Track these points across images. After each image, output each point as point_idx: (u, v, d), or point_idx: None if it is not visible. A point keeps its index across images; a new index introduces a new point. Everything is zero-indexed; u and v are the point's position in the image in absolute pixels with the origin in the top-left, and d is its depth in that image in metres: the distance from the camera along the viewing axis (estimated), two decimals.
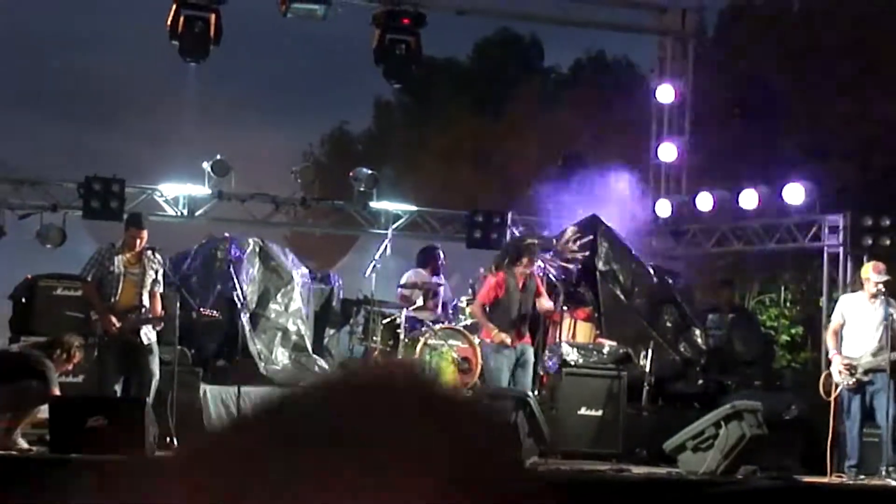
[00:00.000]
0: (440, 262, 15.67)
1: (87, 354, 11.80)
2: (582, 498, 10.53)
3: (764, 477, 11.81)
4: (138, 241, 11.63)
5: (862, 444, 12.75)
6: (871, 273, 12.83)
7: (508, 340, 12.77)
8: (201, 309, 12.05)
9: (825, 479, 12.52)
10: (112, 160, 17.28)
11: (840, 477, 12.78)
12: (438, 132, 30.08)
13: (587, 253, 14.66)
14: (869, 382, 12.69)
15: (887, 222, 15.96)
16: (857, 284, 13.39)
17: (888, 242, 15.93)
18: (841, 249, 16.37)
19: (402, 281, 15.44)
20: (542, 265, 14.86)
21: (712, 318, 15.96)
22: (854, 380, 12.67)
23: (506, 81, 31.74)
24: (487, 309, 13.01)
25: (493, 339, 12.86)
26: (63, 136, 24.38)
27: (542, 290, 13.34)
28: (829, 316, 16.48)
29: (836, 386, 12.78)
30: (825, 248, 16.65)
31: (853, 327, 12.83)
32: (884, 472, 12.49)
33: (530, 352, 13.00)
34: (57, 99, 26.21)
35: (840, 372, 12.74)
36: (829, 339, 13.08)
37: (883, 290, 12.79)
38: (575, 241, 14.50)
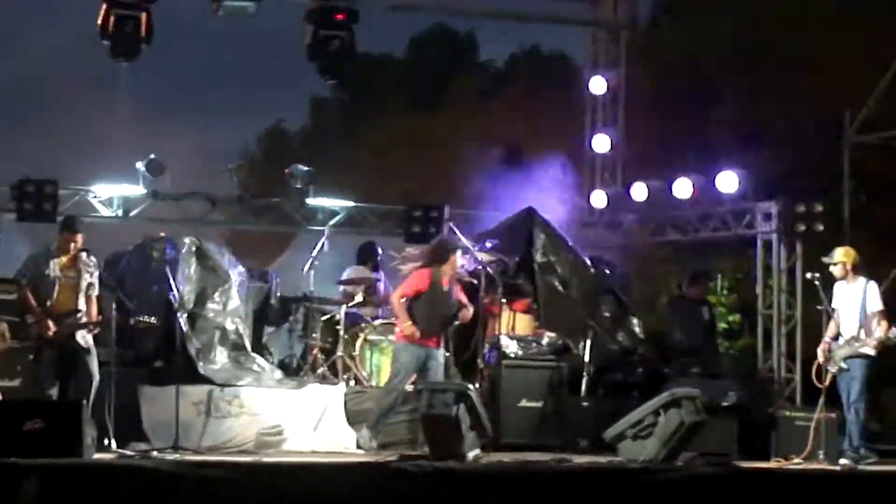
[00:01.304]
0: (379, 258, 15.65)
1: (23, 358, 11.73)
2: (525, 489, 10.58)
3: (704, 463, 11.90)
4: (73, 245, 11.55)
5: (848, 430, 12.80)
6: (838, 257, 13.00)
7: (418, 335, 12.70)
8: (138, 317, 11.99)
9: (765, 465, 12.64)
10: (45, 162, 17.11)
11: (779, 461, 12.92)
12: (375, 128, 30.04)
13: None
14: (847, 369, 12.78)
15: (820, 208, 16.11)
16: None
17: (821, 228, 16.09)
18: (775, 236, 16.51)
19: (342, 277, 15.42)
20: (480, 259, 14.92)
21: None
22: (836, 367, 12.77)
23: (441, 76, 31.74)
24: (406, 302, 12.93)
25: (403, 331, 12.79)
26: None
27: (464, 297, 13.29)
28: (764, 302, 16.71)
29: (827, 371, 12.86)
30: (759, 235, 16.79)
31: (840, 314, 12.94)
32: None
33: (437, 356, 12.92)
34: None
35: (821, 359, 12.88)
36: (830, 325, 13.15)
37: (836, 272, 12.89)
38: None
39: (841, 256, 13.00)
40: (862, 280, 12.92)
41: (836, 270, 13.00)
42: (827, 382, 12.89)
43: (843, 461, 12.54)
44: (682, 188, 17.17)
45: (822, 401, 12.95)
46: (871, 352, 12.68)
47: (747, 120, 21.36)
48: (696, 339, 15.95)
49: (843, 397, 12.81)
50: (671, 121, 22.55)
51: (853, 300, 12.86)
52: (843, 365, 12.73)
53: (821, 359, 12.90)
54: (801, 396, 16.10)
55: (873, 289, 12.85)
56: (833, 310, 12.95)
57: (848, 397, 12.73)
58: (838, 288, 13.04)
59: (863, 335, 12.71)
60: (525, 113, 25.27)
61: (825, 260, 13.11)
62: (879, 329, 12.69)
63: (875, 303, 12.75)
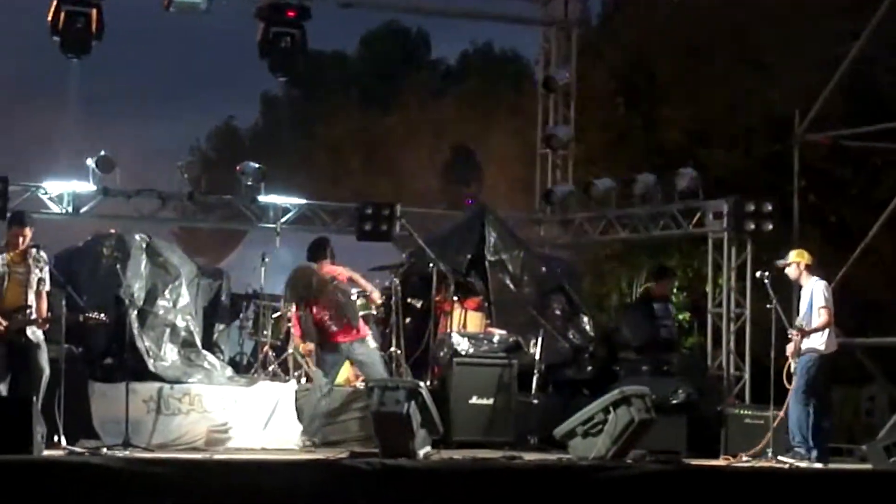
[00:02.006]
0: (330, 254, 15.56)
1: None
2: (475, 487, 10.60)
3: (653, 461, 11.96)
4: (21, 240, 11.47)
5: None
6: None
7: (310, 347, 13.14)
8: (87, 314, 11.92)
9: (714, 462, 12.71)
10: None
11: (727, 459, 13.00)
12: (327, 126, 30.00)
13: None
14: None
15: (769, 207, 16.23)
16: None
17: (770, 227, 16.21)
18: (725, 235, 16.61)
19: None
20: (432, 257, 14.96)
21: (658, 308, 16.09)
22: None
23: (393, 74, 31.74)
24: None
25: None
26: None
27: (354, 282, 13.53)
28: (714, 301, 16.82)
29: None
30: (709, 234, 16.90)
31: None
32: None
33: (357, 347, 13.05)
34: None
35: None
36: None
37: (791, 273, 13.00)
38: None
39: (794, 257, 13.10)
40: (813, 279, 13.02)
41: (790, 271, 13.08)
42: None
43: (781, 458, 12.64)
44: (633, 187, 17.26)
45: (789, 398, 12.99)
46: (819, 347, 12.77)
47: (698, 119, 21.48)
48: (644, 336, 16.04)
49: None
50: (623, 119, 22.66)
51: (805, 299, 12.97)
52: (793, 362, 12.84)
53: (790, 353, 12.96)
54: (751, 394, 16.22)
55: (819, 286, 12.94)
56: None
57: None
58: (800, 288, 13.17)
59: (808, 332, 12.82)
60: (477, 111, 25.31)
61: (779, 263, 13.19)
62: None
63: (818, 299, 12.84)
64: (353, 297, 13.56)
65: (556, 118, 18.88)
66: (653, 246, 20.57)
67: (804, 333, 12.76)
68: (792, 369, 12.83)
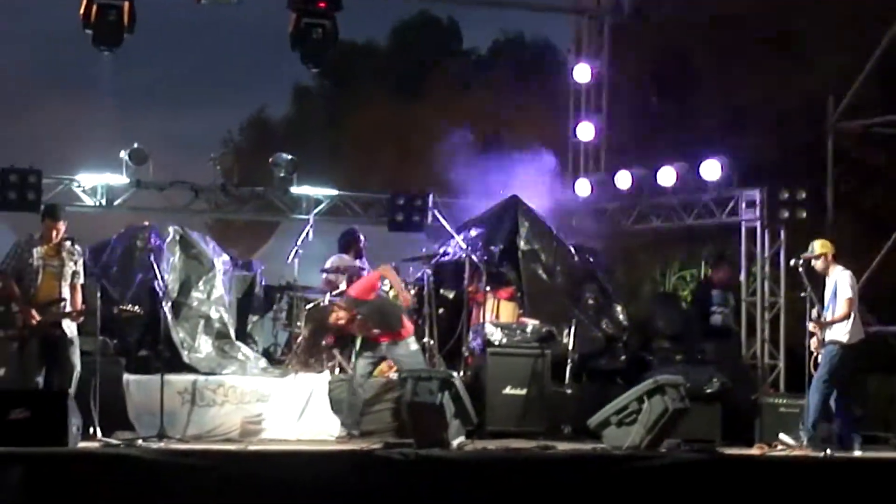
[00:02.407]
0: (362, 246, 15.64)
1: (7, 347, 11.70)
2: (509, 476, 10.61)
3: (687, 450, 11.95)
4: (55, 233, 11.52)
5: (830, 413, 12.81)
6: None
7: None
8: (122, 306, 11.97)
9: (749, 451, 12.68)
10: (28, 151, 17.03)
11: (762, 448, 12.95)
12: (358, 116, 29.99)
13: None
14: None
15: (803, 195, 16.15)
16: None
17: (804, 215, 16.13)
18: (758, 223, 16.54)
19: (326, 266, 15.41)
20: (465, 247, 14.95)
21: (715, 295, 16.05)
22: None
23: (424, 64, 31.70)
24: None
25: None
26: None
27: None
28: (748, 289, 16.77)
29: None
30: (742, 223, 16.83)
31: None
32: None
33: (398, 348, 13.04)
34: None
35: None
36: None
37: (819, 266, 12.94)
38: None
39: (820, 248, 13.02)
40: (838, 269, 12.95)
41: (818, 264, 13.00)
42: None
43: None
44: (666, 176, 17.21)
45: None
46: (842, 338, 12.72)
47: (731, 107, 21.38)
48: (678, 326, 16.01)
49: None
50: (655, 108, 22.57)
51: (829, 289, 12.91)
52: (818, 353, 12.80)
53: (814, 347, 12.93)
54: (785, 383, 16.17)
55: (843, 277, 12.87)
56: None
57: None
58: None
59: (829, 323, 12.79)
60: (509, 100, 25.26)
61: (805, 256, 13.11)
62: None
63: (844, 289, 12.78)
64: (391, 298, 13.61)
65: (588, 107, 18.84)
66: (685, 235, 20.51)
67: (821, 325, 12.72)
68: (819, 360, 12.82)
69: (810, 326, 12.80)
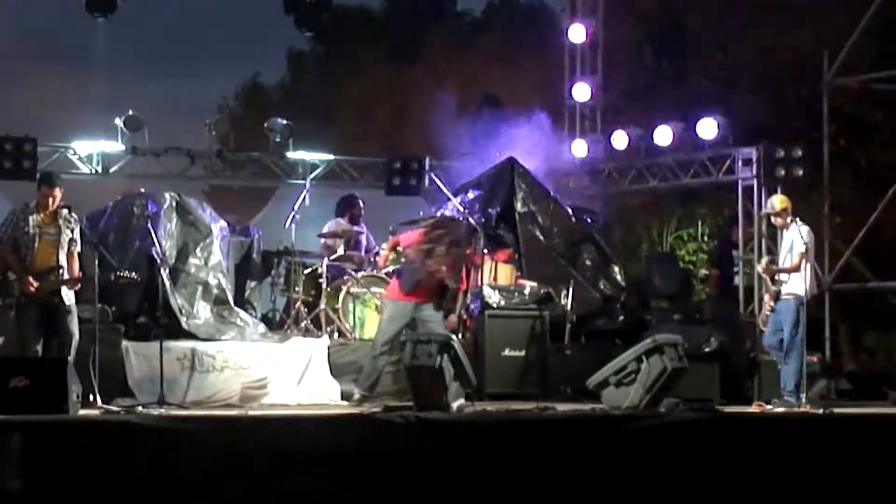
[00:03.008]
0: (359, 211, 15.65)
1: (5, 316, 11.71)
2: (509, 438, 10.64)
3: (686, 409, 11.97)
4: (51, 200, 11.49)
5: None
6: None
7: None
8: (119, 273, 11.96)
9: (747, 409, 12.70)
10: (23, 119, 17.00)
11: (761, 405, 12.97)
12: (353, 80, 29.93)
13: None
14: (776, 310, 12.84)
15: (799, 153, 16.15)
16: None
17: (801, 173, 16.13)
18: (755, 182, 16.55)
19: (323, 230, 15.41)
20: (462, 210, 14.95)
21: (737, 256, 16.07)
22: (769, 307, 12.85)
23: (419, 27, 31.60)
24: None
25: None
26: None
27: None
28: (745, 248, 16.79)
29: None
30: (739, 181, 16.84)
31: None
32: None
33: (426, 308, 12.92)
34: None
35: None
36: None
37: (778, 222, 12.93)
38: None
39: (781, 204, 12.98)
40: (796, 224, 12.92)
41: (778, 220, 12.98)
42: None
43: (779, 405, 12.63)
44: (662, 135, 17.21)
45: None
46: (799, 291, 12.67)
47: (726, 65, 21.35)
48: (676, 285, 16.04)
49: (772, 340, 12.83)
50: (650, 68, 22.53)
51: (786, 243, 12.88)
52: (771, 305, 12.79)
53: (768, 304, 12.92)
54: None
55: (801, 231, 12.84)
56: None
57: (782, 340, 12.78)
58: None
59: (786, 276, 12.77)
60: (504, 62, 25.21)
61: (766, 212, 13.08)
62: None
63: (799, 244, 12.76)
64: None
65: (583, 68, 18.80)
66: (682, 194, 20.52)
67: (770, 271, 12.71)
68: (768, 311, 12.80)
69: (759, 269, 12.79)
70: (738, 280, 16.26)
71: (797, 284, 12.66)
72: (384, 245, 13.93)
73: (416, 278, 12.67)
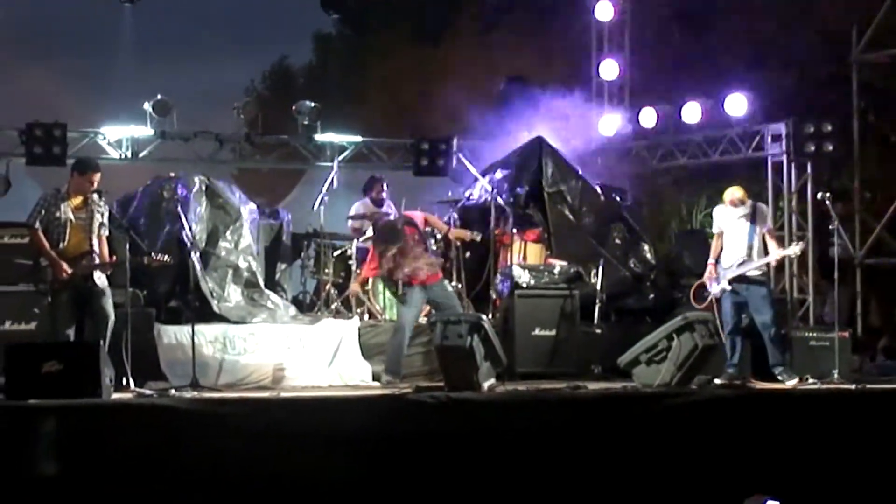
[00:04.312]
0: (379, 193, 15.54)
1: (39, 301, 11.76)
2: (540, 417, 10.66)
3: (718, 386, 11.96)
4: (90, 186, 11.50)
5: (735, 347, 12.78)
6: (727, 203, 12.91)
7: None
8: (152, 254, 11.98)
9: (779, 386, 12.68)
10: (52, 105, 17.10)
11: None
12: (380, 62, 29.91)
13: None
14: (735, 292, 12.78)
15: (829, 128, 16.06)
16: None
17: (830, 148, 16.05)
18: (784, 158, 16.48)
19: (351, 212, 15.43)
20: (490, 190, 14.93)
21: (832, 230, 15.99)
22: (720, 288, 12.78)
23: (445, 7, 31.53)
24: None
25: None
26: None
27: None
28: (775, 224, 16.71)
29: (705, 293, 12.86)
30: (769, 158, 16.76)
31: (727, 238, 12.93)
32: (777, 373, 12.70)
33: (437, 288, 12.96)
34: None
35: (707, 279, 12.86)
36: (712, 246, 13.16)
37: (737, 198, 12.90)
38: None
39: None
40: (749, 201, 12.89)
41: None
42: (705, 304, 12.85)
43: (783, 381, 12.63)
44: (691, 112, 17.15)
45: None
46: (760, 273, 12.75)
47: (754, 41, 21.24)
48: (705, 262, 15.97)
49: (729, 320, 12.74)
50: (678, 45, 22.44)
51: (742, 222, 12.81)
52: (727, 287, 12.73)
53: (707, 280, 12.87)
54: (814, 317, 16.14)
55: (763, 210, 12.85)
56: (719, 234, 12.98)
57: (760, 318, 12.76)
58: (724, 212, 12.98)
59: (755, 256, 12.73)
60: (530, 41, 25.14)
61: (736, 209, 12.97)
62: (774, 247, 12.76)
63: (768, 223, 12.77)
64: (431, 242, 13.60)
65: (611, 45, 18.75)
66: (712, 171, 20.44)
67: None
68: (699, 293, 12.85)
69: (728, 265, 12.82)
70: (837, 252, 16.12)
71: (762, 263, 12.82)
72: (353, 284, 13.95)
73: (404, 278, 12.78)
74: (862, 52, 16.91)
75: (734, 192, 12.96)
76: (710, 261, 12.98)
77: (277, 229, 15.03)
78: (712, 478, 10.55)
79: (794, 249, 13.05)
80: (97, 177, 11.54)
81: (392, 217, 13.41)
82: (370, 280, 14.28)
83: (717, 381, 12.32)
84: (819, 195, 13.38)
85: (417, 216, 13.27)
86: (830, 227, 13.15)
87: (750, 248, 12.76)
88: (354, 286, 13.87)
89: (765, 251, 12.78)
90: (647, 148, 17.98)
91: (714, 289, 12.81)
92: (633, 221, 16.25)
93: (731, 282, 12.73)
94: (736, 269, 12.73)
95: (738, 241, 12.81)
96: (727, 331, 12.73)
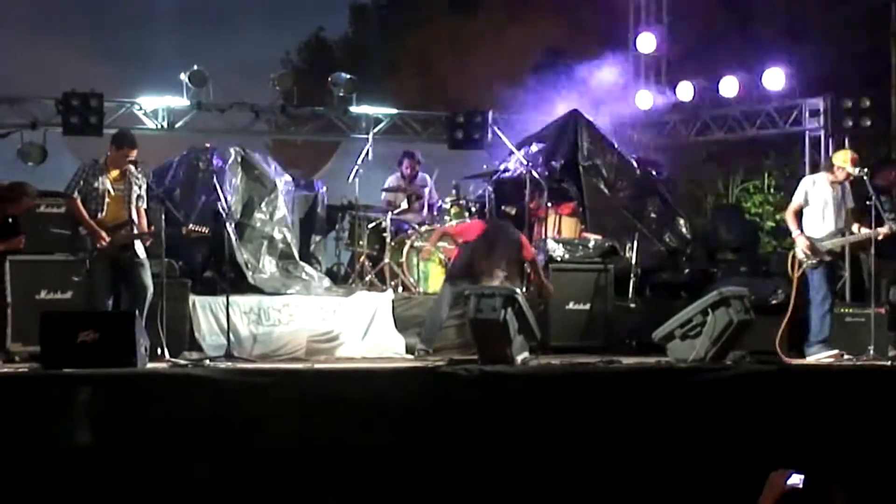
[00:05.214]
0: (407, 168, 15.50)
1: (76, 270, 11.82)
2: (574, 391, 10.64)
3: (753, 361, 11.92)
4: (128, 159, 11.54)
5: (828, 322, 12.73)
6: (849, 165, 12.72)
7: None
8: (190, 226, 12.00)
9: (811, 361, 12.63)
10: (89, 75, 17.14)
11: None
12: (416, 34, 29.85)
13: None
14: (830, 264, 12.69)
15: (867, 104, 15.96)
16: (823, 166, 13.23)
17: (868, 123, 15.94)
18: (822, 132, 16.40)
19: (385, 185, 15.43)
20: (525, 163, 14.89)
21: (886, 201, 15.92)
22: (816, 259, 12.69)
23: None
24: None
25: None
26: (37, 53, 24.13)
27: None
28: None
29: (800, 265, 12.75)
30: (806, 132, 16.68)
31: (820, 210, 12.81)
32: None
33: None
34: (26, 15, 25.94)
35: (804, 252, 12.70)
36: (789, 219, 12.93)
37: (842, 177, 12.77)
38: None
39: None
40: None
41: (841, 175, 12.79)
42: (798, 273, 12.75)
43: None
44: (728, 86, 17.07)
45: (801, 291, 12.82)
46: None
47: (792, 15, 21.09)
48: (742, 237, 15.93)
49: (825, 292, 12.68)
50: (716, 17, 22.30)
51: (836, 197, 12.71)
52: (826, 258, 12.66)
53: (806, 251, 12.75)
54: (850, 293, 16.03)
55: (847, 185, 12.75)
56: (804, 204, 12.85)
57: (829, 291, 12.69)
58: (819, 183, 12.85)
59: (847, 230, 12.65)
60: (568, 13, 25.03)
61: (857, 171, 12.82)
62: (857, 226, 12.66)
63: (852, 201, 12.67)
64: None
65: (648, 18, 18.65)
66: (748, 146, 20.35)
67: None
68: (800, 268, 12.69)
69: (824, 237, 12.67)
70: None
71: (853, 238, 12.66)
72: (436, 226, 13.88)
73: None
74: None
75: (852, 153, 12.81)
76: (799, 232, 12.73)
77: (312, 201, 15.04)
78: (745, 454, 10.51)
79: (884, 230, 12.87)
80: (134, 153, 11.58)
81: (510, 231, 13.34)
82: (404, 252, 14.30)
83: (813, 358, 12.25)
84: (857, 170, 13.21)
85: (526, 245, 13.21)
86: (867, 202, 13.01)
87: (845, 220, 12.66)
88: (429, 246, 13.82)
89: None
90: (684, 122, 17.91)
91: (812, 259, 12.69)
92: (668, 196, 16.19)
93: (829, 252, 12.64)
94: (838, 240, 12.62)
95: (833, 213, 12.68)
96: (819, 303, 12.63)
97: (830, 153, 16.28)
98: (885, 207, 14.92)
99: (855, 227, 12.70)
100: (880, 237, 12.71)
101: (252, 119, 16.79)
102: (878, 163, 16.59)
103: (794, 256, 12.81)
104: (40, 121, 15.86)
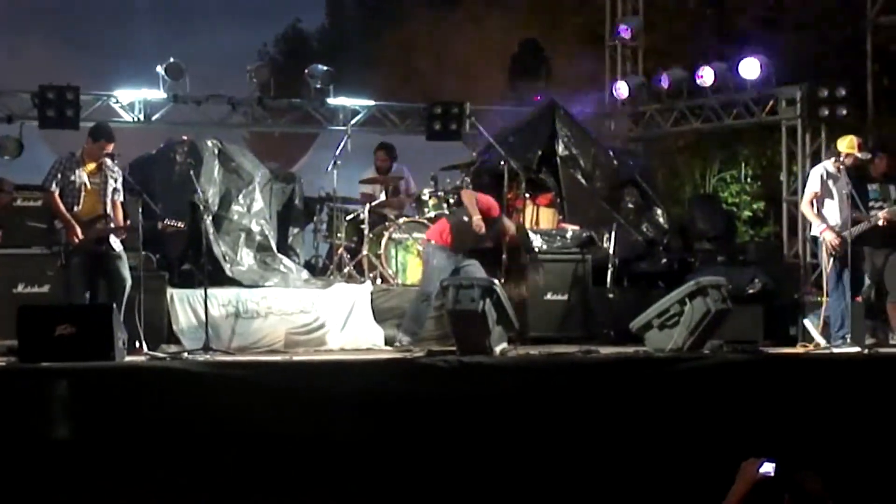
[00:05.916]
0: (379, 162, 15.46)
1: (52, 264, 11.79)
2: (552, 381, 10.66)
3: (730, 351, 11.96)
4: (105, 152, 11.52)
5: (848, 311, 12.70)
6: (857, 150, 12.66)
7: None
8: (167, 221, 11.99)
9: (791, 350, 12.67)
10: (64, 68, 17.07)
11: (805, 346, 12.91)
12: (394, 26, 29.82)
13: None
14: (856, 252, 12.61)
15: (843, 92, 15.98)
16: (827, 154, 13.21)
17: (844, 113, 15.98)
18: (798, 122, 16.42)
19: (363, 177, 15.42)
20: (503, 154, 14.89)
21: (872, 190, 15.94)
22: (843, 251, 12.60)
23: None
24: None
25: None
26: (11, 46, 24.06)
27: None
28: (788, 189, 16.66)
29: (830, 258, 12.55)
30: (783, 122, 16.70)
31: (832, 198, 12.72)
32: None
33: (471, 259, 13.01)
34: (1, 9, 25.85)
35: (832, 247, 12.49)
36: (808, 212, 12.82)
37: (850, 163, 12.72)
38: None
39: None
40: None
41: (849, 161, 12.73)
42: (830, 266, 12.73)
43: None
44: (705, 76, 17.07)
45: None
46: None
47: (768, 5, 21.14)
48: (719, 226, 15.97)
49: (845, 284, 12.58)
50: (693, 7, 22.36)
51: (844, 185, 12.68)
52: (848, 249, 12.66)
53: (836, 247, 12.63)
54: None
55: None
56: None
57: (861, 280, 12.68)
58: (829, 172, 12.72)
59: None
60: (545, 4, 25.06)
61: (862, 155, 12.76)
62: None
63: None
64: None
65: (624, 9, 18.67)
66: (725, 136, 20.40)
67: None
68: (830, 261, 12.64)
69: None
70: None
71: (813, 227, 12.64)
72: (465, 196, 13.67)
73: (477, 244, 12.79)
74: (877, 15, 16.83)
75: (857, 138, 12.76)
76: (826, 226, 12.53)
77: (290, 193, 15.02)
78: (723, 442, 10.55)
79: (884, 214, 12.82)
80: (110, 147, 11.57)
81: (508, 222, 13.37)
82: (382, 244, 14.29)
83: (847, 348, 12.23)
84: (863, 155, 13.00)
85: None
86: (843, 191, 13.02)
87: (855, 206, 12.63)
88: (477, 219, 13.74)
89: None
90: (661, 112, 17.93)
91: (837, 253, 12.51)
92: (645, 186, 16.22)
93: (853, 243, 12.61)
94: (856, 228, 12.57)
95: (846, 201, 12.60)
96: (840, 295, 12.56)
97: (808, 142, 16.35)
98: (872, 196, 14.99)
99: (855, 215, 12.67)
100: (881, 223, 12.69)
101: (229, 111, 16.74)
102: (869, 150, 16.65)
103: (824, 248, 12.62)
104: (16, 114, 15.79)
